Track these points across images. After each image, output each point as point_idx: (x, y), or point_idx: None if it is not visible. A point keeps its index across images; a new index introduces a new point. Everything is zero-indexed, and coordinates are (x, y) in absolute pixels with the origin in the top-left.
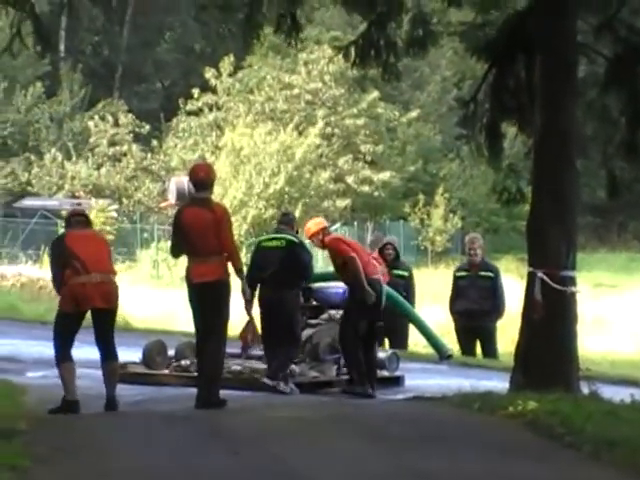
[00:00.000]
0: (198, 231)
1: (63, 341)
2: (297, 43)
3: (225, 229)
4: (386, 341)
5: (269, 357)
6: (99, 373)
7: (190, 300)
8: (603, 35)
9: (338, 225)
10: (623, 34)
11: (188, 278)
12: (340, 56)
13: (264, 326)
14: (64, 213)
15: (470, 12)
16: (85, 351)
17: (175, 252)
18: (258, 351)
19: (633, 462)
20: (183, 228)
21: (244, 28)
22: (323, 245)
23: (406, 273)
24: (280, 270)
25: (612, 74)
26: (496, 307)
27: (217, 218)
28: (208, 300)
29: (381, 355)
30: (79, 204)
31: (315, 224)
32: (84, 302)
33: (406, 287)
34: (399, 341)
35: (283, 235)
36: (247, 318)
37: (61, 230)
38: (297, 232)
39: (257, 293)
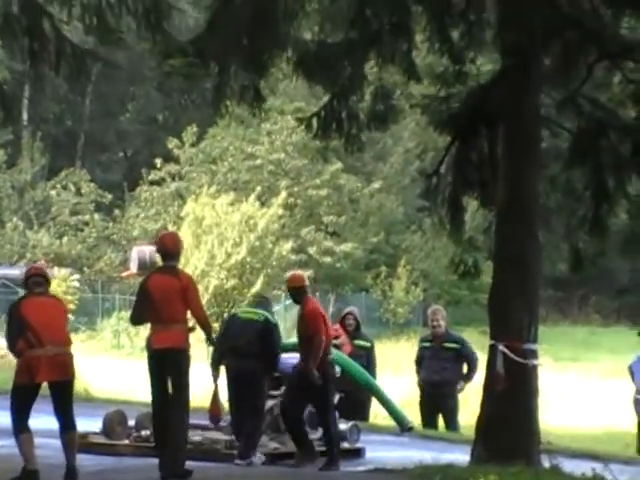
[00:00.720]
0: (164, 298)
1: (19, 413)
2: (260, 113)
3: (193, 297)
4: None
5: (236, 429)
6: (59, 442)
7: (150, 368)
8: (566, 109)
9: None
10: (587, 108)
11: (148, 345)
12: (303, 127)
13: (231, 396)
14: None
15: (432, 85)
16: (43, 420)
17: (135, 320)
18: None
19: None
20: (148, 294)
21: (212, 99)
22: (303, 305)
23: (368, 344)
24: (254, 342)
25: (576, 148)
26: (464, 373)
27: (184, 285)
28: (168, 368)
29: (342, 427)
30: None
31: (304, 278)
32: (39, 375)
33: (367, 358)
34: (360, 413)
35: (261, 311)
36: (211, 389)
37: None
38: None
39: (225, 363)
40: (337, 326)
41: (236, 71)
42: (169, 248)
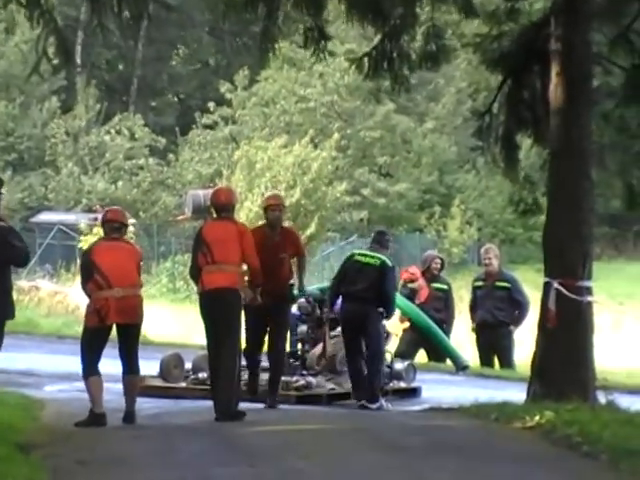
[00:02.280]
0: (218, 239)
1: (89, 355)
2: (325, 55)
3: (249, 242)
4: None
5: (353, 372)
6: (118, 387)
7: (202, 310)
8: (619, 46)
9: (355, 237)
10: (639, 45)
11: (201, 286)
12: (355, 68)
13: (348, 340)
14: (82, 227)
15: (484, 24)
16: (105, 364)
17: (194, 272)
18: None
19: None
20: (204, 240)
21: (260, 42)
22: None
23: (445, 286)
24: (370, 288)
25: (629, 84)
26: (516, 315)
27: (240, 230)
28: (221, 308)
29: (398, 366)
30: (95, 219)
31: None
32: (107, 317)
33: (445, 301)
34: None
35: (378, 255)
36: None
37: (82, 244)
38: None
39: (340, 307)
40: (413, 269)
41: (285, 11)
42: (222, 202)
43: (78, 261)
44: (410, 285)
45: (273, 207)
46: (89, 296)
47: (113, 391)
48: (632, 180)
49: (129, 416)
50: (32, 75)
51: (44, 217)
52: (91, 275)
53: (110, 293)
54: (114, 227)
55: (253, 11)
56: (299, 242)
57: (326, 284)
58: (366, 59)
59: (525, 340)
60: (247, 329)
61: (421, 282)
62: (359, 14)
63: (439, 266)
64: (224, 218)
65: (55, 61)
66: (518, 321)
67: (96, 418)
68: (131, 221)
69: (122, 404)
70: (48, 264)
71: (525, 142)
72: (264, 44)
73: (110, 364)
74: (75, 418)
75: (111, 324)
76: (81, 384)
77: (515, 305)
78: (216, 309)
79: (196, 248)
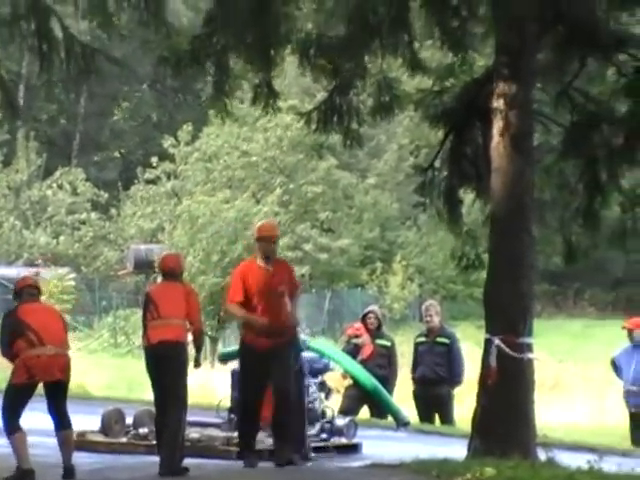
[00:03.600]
0: (165, 297)
1: (14, 413)
2: (275, 110)
3: (195, 303)
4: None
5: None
6: (54, 441)
7: (147, 365)
8: (560, 103)
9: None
10: (580, 102)
11: (146, 341)
12: (297, 124)
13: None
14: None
15: (428, 79)
16: (37, 418)
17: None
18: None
19: None
20: (151, 299)
21: (212, 97)
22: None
23: (389, 343)
24: None
25: (569, 141)
26: (453, 374)
27: (187, 290)
28: (166, 362)
29: (339, 422)
30: (37, 273)
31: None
32: (39, 374)
33: (389, 357)
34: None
35: None
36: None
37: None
38: None
39: None
40: (358, 325)
41: (233, 69)
42: (171, 268)
43: None
44: (354, 341)
45: (268, 239)
46: (12, 356)
47: (48, 445)
48: (571, 236)
49: (68, 471)
50: None
51: None
52: (22, 333)
53: (43, 350)
54: (31, 292)
55: (201, 68)
56: (294, 274)
57: None
58: (315, 114)
59: (464, 396)
60: (244, 382)
61: (365, 338)
62: (312, 67)
63: (373, 321)
64: (171, 280)
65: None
66: (454, 381)
67: (24, 474)
68: (71, 276)
69: (60, 459)
70: None
71: (467, 197)
72: (216, 100)
73: (41, 418)
74: (10, 473)
75: (39, 382)
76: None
77: (453, 362)
78: (162, 364)
79: (144, 309)
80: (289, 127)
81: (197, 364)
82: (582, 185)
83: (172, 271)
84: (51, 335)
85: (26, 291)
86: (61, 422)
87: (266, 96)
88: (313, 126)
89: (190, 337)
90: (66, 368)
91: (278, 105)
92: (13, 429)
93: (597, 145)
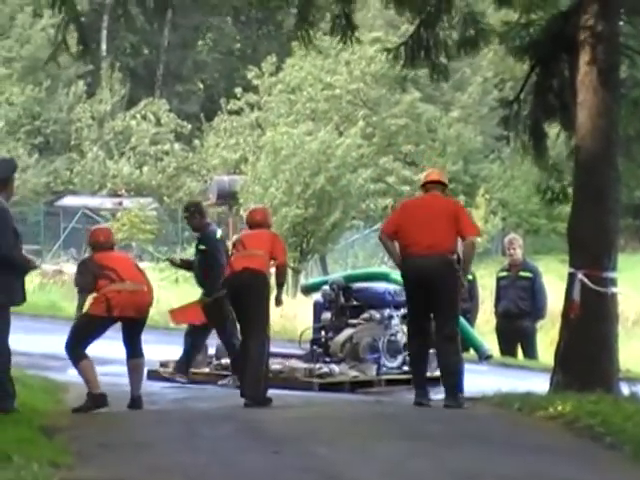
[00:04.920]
0: (251, 238)
1: (82, 342)
2: (352, 42)
3: (281, 246)
4: None
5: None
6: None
7: (229, 294)
8: None
9: (379, 225)
10: None
11: (230, 269)
12: (381, 56)
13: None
14: (105, 212)
15: (508, 13)
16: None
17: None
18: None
19: None
20: (238, 240)
21: (295, 27)
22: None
23: (470, 276)
24: None
25: None
26: (535, 308)
27: (272, 235)
28: (248, 290)
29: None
30: (120, 203)
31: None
32: (117, 309)
33: (470, 290)
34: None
35: None
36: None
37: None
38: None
39: None
40: None
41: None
42: (258, 221)
43: None
44: None
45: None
46: (92, 290)
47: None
48: None
49: (136, 400)
50: (49, 62)
51: (69, 201)
52: (101, 272)
53: (122, 286)
54: (103, 246)
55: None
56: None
57: (350, 272)
58: (402, 48)
59: (547, 331)
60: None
61: None
62: (397, 2)
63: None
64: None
65: (74, 49)
66: (537, 315)
67: (95, 399)
68: (153, 206)
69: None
70: (72, 248)
71: (552, 131)
72: (299, 31)
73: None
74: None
75: (117, 316)
76: (105, 368)
77: (536, 296)
78: (244, 292)
79: (232, 249)
80: (373, 59)
81: (279, 302)
82: None
83: (258, 224)
84: (130, 273)
85: (99, 245)
86: (133, 351)
87: (344, 27)
88: (401, 61)
89: (274, 271)
90: (145, 306)
91: (357, 37)
92: (79, 357)
93: None
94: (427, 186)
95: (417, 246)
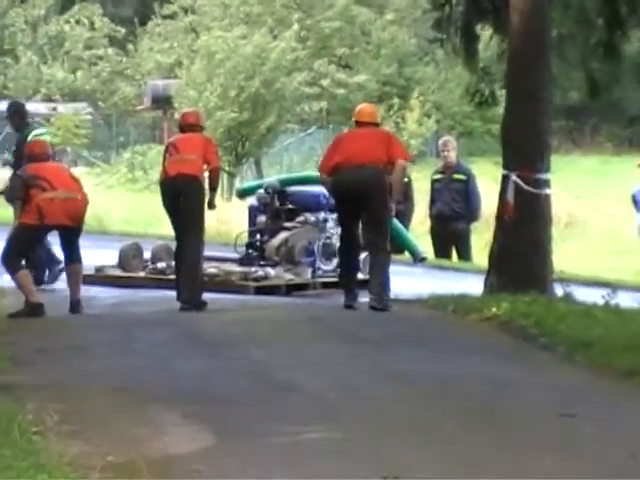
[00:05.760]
0: (185, 141)
1: (18, 252)
2: None
3: (213, 146)
4: None
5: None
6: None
7: (163, 200)
8: None
9: (314, 128)
10: None
11: (164, 174)
12: None
13: None
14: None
15: None
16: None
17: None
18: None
19: (607, 362)
20: (172, 143)
21: None
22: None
23: (406, 179)
24: None
25: None
26: (469, 210)
27: (206, 138)
28: (183, 195)
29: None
30: (54, 108)
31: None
32: (50, 217)
33: (405, 192)
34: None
35: None
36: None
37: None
38: None
39: None
40: None
41: None
42: (191, 124)
43: None
44: None
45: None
46: (23, 198)
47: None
48: (592, 71)
49: (75, 305)
50: None
51: (2, 106)
52: (34, 183)
53: (54, 194)
54: (39, 158)
55: None
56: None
57: (285, 175)
58: None
59: (481, 233)
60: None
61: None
62: None
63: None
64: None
65: None
66: (471, 217)
67: (33, 308)
68: (87, 110)
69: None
70: (7, 153)
71: (484, 34)
72: None
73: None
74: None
75: (49, 224)
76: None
77: (469, 199)
78: (179, 197)
79: (164, 152)
80: None
81: (211, 205)
82: (602, 19)
83: (191, 127)
84: (62, 182)
85: (34, 157)
86: (70, 256)
87: None
88: None
89: (207, 175)
90: (79, 214)
91: None
92: (16, 268)
93: None
94: (360, 123)
95: (348, 161)
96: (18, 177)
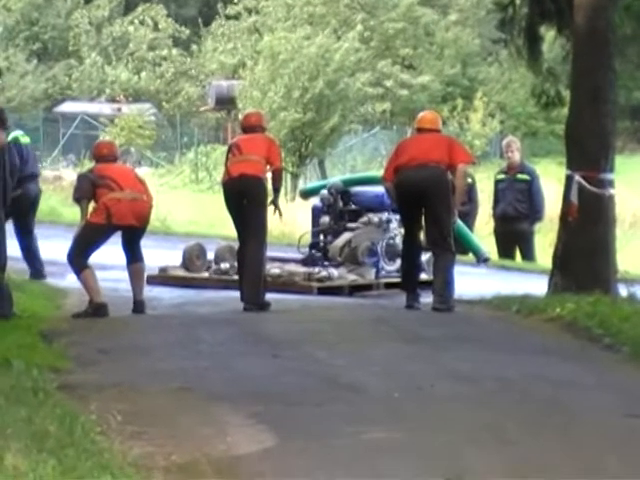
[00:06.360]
0: (249, 141)
1: (84, 251)
2: None
3: (277, 150)
4: None
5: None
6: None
7: (226, 200)
8: None
9: (377, 129)
10: None
11: (227, 175)
12: None
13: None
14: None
15: None
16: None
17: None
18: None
19: None
20: (234, 144)
21: None
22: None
23: (469, 179)
24: None
25: None
26: (533, 210)
27: (269, 138)
28: (246, 196)
29: (421, 258)
30: (119, 109)
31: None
32: (117, 217)
33: (469, 192)
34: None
35: None
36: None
37: (101, 135)
38: None
39: None
40: None
41: None
42: (252, 123)
43: None
44: None
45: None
46: (89, 199)
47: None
48: None
49: (138, 305)
50: None
51: (67, 107)
52: (101, 183)
53: (122, 194)
54: (106, 159)
55: None
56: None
57: (348, 176)
58: None
59: (545, 233)
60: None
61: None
62: None
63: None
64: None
65: None
66: (535, 217)
67: (97, 308)
68: (151, 111)
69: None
70: (71, 154)
71: (548, 34)
72: None
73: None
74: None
75: (118, 225)
76: (105, 274)
77: (533, 199)
78: (242, 198)
79: (227, 152)
80: None
81: (274, 205)
82: None
83: (253, 128)
84: (129, 182)
85: (102, 158)
86: (133, 256)
87: None
88: None
89: (269, 176)
90: (145, 214)
91: None
92: (82, 267)
93: None
94: (421, 129)
95: (409, 162)
96: (85, 177)
